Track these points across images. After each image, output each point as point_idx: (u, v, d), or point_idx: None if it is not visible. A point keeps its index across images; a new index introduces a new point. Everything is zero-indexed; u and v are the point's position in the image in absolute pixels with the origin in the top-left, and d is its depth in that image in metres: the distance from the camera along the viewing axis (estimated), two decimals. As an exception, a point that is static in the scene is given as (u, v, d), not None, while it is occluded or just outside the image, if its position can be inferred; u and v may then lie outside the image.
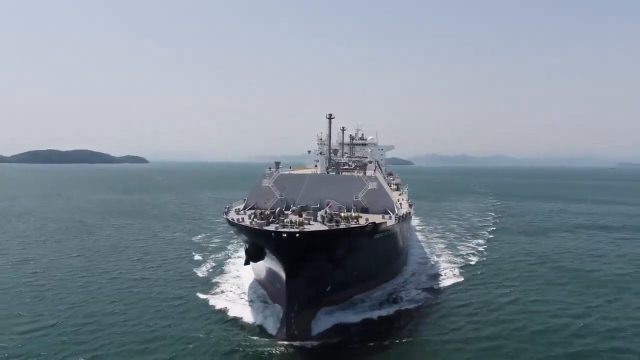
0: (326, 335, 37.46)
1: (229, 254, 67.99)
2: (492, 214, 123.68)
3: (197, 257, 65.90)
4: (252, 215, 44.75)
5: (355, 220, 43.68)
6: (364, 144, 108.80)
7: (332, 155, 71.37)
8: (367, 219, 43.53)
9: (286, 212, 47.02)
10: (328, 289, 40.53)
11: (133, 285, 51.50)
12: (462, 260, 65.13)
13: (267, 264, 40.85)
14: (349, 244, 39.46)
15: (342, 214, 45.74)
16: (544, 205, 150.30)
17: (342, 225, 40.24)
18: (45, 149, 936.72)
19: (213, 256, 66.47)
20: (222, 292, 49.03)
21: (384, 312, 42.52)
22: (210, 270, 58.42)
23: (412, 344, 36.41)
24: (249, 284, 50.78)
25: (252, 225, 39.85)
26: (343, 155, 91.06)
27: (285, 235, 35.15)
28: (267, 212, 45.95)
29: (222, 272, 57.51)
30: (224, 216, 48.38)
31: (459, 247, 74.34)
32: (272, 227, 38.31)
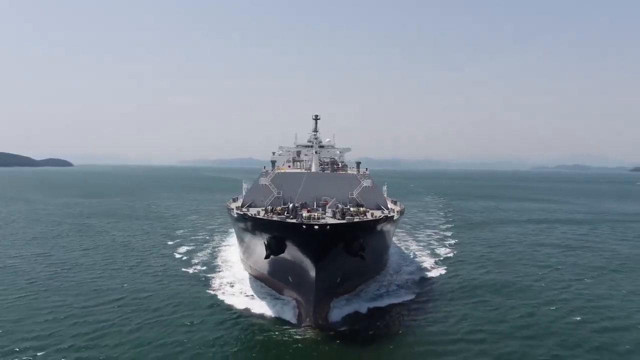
0: (343, 323, 39.33)
1: (220, 248, 71.62)
2: (438, 211, 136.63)
3: (191, 252, 68.00)
4: (263, 212, 46.45)
5: (363, 215, 45.58)
6: (322, 146, 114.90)
7: (296, 157, 72.89)
8: (372, 214, 46.33)
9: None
10: (338, 280, 41.69)
11: (140, 282, 52.02)
12: (432, 250, 72.89)
13: (287, 256, 41.05)
14: (365, 236, 41.37)
15: (353, 209, 47.50)
16: (478, 203, 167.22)
17: (357, 220, 42.47)
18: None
19: (207, 251, 69.14)
20: (226, 287, 49.94)
21: (386, 301, 45.37)
22: (207, 266, 59.68)
23: (422, 326, 39.60)
24: (248, 279, 52.17)
25: (280, 220, 41.11)
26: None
27: (317, 227, 36.65)
28: (279, 208, 47.53)
29: (218, 267, 59.17)
30: (238, 212, 48.35)
31: (418, 238, 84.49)
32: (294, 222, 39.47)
